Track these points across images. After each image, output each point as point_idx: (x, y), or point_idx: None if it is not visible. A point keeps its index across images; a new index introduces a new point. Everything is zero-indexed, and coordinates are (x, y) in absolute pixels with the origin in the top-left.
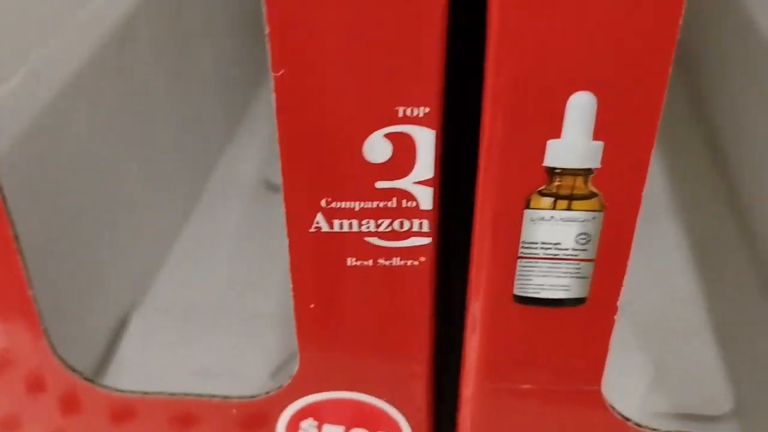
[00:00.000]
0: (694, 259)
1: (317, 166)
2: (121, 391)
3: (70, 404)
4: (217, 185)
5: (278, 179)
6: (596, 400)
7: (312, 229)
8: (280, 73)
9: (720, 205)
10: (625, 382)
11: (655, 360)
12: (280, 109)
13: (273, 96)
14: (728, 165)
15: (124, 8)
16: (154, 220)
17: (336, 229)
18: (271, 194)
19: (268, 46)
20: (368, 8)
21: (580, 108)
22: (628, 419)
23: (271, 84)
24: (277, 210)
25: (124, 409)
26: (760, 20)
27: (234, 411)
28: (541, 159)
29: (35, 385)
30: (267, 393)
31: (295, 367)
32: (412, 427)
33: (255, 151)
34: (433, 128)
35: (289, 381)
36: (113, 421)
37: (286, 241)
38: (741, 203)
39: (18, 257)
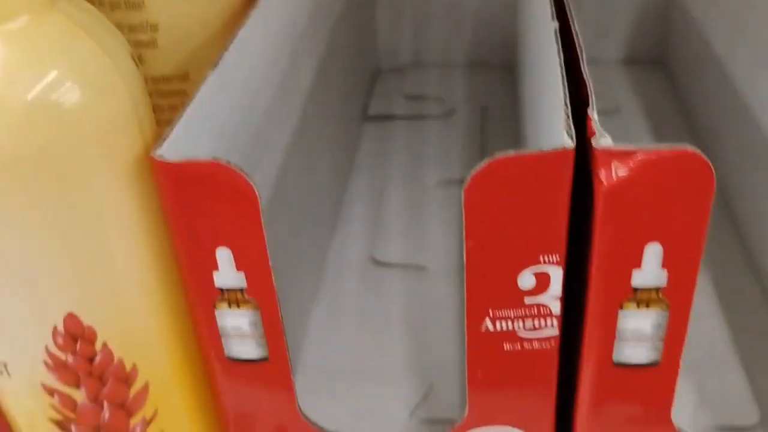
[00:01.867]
0: (717, 304)
1: (488, 291)
2: None
3: None
4: (335, 263)
5: (383, 257)
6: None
7: (482, 329)
8: (470, 244)
9: (730, 251)
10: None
11: (697, 386)
12: (468, 262)
13: (464, 256)
14: (738, 221)
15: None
16: (296, 294)
17: (498, 329)
18: (377, 269)
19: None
20: (516, 205)
21: (653, 252)
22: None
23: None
24: (385, 283)
25: None
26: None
27: None
28: (630, 282)
29: None
30: (444, 430)
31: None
32: None
33: (359, 233)
34: (561, 266)
35: (461, 421)
36: None
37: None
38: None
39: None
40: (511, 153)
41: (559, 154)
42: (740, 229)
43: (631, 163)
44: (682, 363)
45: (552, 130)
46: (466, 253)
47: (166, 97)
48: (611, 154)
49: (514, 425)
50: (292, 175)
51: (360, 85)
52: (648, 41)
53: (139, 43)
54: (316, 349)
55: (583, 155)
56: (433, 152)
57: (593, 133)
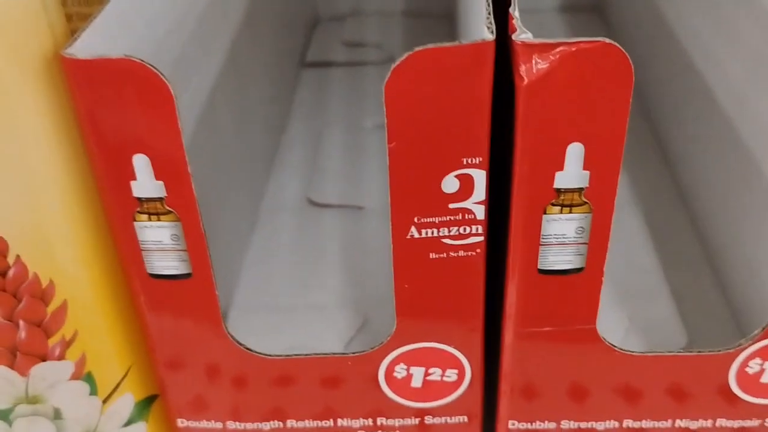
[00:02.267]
0: (652, 239)
1: (412, 196)
2: (278, 355)
3: (233, 368)
4: (270, 205)
5: (320, 198)
6: (593, 335)
7: (408, 237)
8: (392, 144)
9: (667, 194)
10: (609, 330)
11: (629, 313)
12: (392, 166)
13: (387, 157)
14: (673, 164)
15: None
16: (231, 233)
17: (423, 235)
18: (314, 210)
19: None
20: (438, 100)
21: (575, 152)
22: (614, 346)
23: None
24: (321, 223)
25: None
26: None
27: (349, 363)
28: (552, 184)
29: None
30: (372, 348)
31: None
32: (471, 364)
33: (295, 175)
34: (483, 169)
35: (389, 338)
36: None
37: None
38: (685, 194)
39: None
40: (431, 45)
41: (478, 46)
42: (660, 135)
43: (551, 57)
44: (613, 289)
45: (473, 26)
46: (389, 156)
47: (89, 5)
48: (531, 48)
49: (442, 342)
50: (221, 106)
51: (297, 32)
52: None
53: None
54: (250, 287)
55: (507, 57)
56: (372, 98)
57: (514, 30)
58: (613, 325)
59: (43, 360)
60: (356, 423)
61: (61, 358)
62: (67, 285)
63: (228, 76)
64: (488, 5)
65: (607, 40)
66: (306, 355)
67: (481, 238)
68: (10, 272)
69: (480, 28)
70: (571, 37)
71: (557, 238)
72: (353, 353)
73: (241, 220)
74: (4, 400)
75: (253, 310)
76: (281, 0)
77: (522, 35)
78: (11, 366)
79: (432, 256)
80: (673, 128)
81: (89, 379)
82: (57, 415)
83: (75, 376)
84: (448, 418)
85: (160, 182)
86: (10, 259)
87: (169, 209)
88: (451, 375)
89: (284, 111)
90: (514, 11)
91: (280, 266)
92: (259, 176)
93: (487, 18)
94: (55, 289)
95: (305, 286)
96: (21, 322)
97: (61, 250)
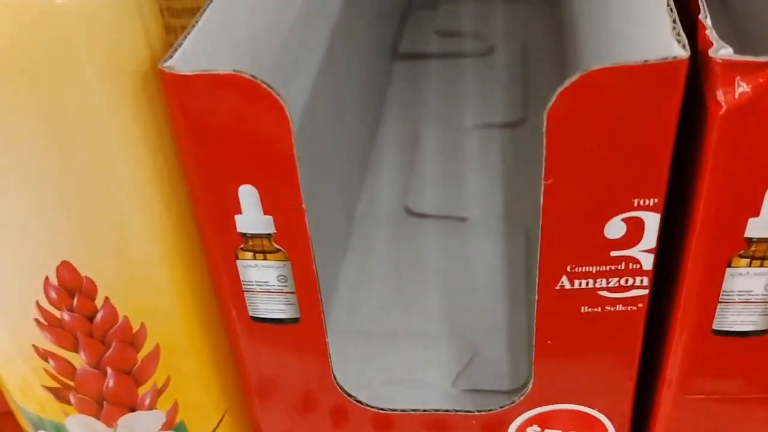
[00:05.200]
0: None
1: (568, 241)
2: (382, 409)
3: (339, 419)
4: (364, 214)
5: (418, 207)
6: None
7: (557, 287)
8: (549, 181)
9: None
10: None
11: None
12: (546, 205)
13: (541, 196)
14: None
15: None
16: (325, 249)
17: (576, 286)
18: (412, 221)
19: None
20: (612, 129)
21: None
22: None
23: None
24: (420, 234)
25: (384, 422)
26: None
27: (473, 422)
28: (743, 233)
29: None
30: (502, 407)
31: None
32: (617, 429)
33: (391, 181)
34: (658, 213)
35: (522, 397)
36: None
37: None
38: None
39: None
40: (608, 64)
41: (667, 66)
42: None
43: (759, 79)
44: None
45: (655, 37)
46: (545, 194)
47: (178, 17)
48: (734, 67)
49: (585, 405)
50: (320, 109)
51: (388, 21)
52: None
53: None
54: (346, 309)
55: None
56: (470, 94)
57: (708, 44)
58: None
59: (132, 410)
60: None
61: (151, 407)
62: (159, 328)
63: (325, 77)
64: (671, 10)
65: None
66: (424, 411)
67: (645, 292)
68: (99, 316)
69: (666, 40)
70: None
71: (741, 295)
72: (478, 411)
73: (336, 234)
74: None
75: (348, 335)
76: None
77: (721, 50)
78: (98, 416)
79: (584, 309)
80: None
81: (181, 428)
82: None
83: (166, 427)
84: None
85: (269, 217)
86: (99, 302)
87: (278, 247)
88: None
89: (377, 109)
90: (706, 19)
91: (377, 286)
92: (353, 183)
93: (674, 28)
94: (147, 332)
95: (405, 309)
96: (109, 370)
97: (152, 291)
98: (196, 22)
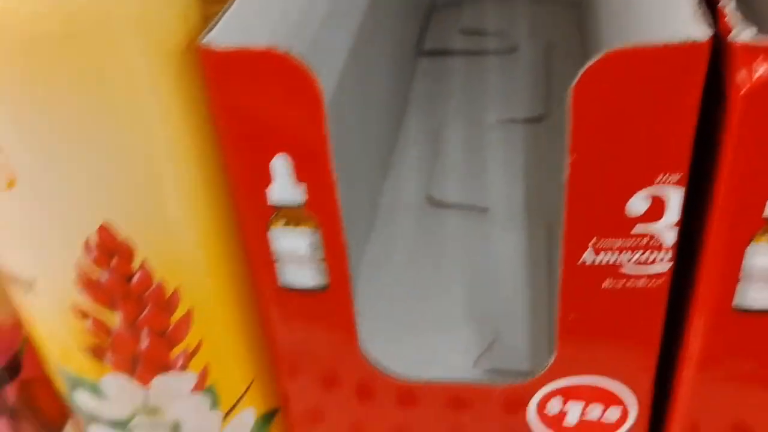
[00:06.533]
0: None
1: (592, 215)
2: (407, 380)
3: (364, 390)
4: (388, 203)
5: (440, 196)
6: None
7: (580, 262)
8: (574, 156)
9: None
10: None
11: None
12: (571, 180)
13: (566, 172)
14: None
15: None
16: (350, 235)
17: (599, 261)
18: (434, 210)
19: (568, 137)
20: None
21: None
22: None
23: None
24: (442, 224)
25: (408, 394)
26: None
27: (497, 394)
28: (763, 212)
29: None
30: (525, 379)
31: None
32: (638, 403)
33: (414, 172)
34: (681, 187)
35: (545, 369)
36: (399, 405)
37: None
38: None
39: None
40: (629, 45)
41: (690, 47)
42: None
43: None
44: None
45: (678, 18)
46: (570, 169)
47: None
48: (755, 50)
49: (608, 377)
50: (347, 97)
51: (413, 17)
52: None
53: None
54: (369, 293)
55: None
56: (494, 90)
57: (728, 27)
58: None
59: (165, 370)
60: None
61: (183, 369)
62: (192, 294)
63: (353, 64)
64: None
65: None
66: (447, 380)
67: (667, 267)
68: (135, 278)
69: (688, 21)
70: None
71: (761, 273)
72: (502, 383)
73: (360, 221)
74: (122, 410)
75: (371, 318)
76: None
77: (744, 32)
78: (132, 375)
79: (606, 284)
80: None
81: (211, 392)
82: (176, 428)
83: (197, 389)
84: None
85: (301, 186)
86: (135, 265)
87: (309, 215)
88: (614, 414)
89: (402, 103)
90: (728, 3)
91: (400, 272)
92: (377, 172)
93: (697, 9)
94: (181, 297)
95: (426, 294)
96: (144, 330)
97: (187, 257)
98: (233, 2)
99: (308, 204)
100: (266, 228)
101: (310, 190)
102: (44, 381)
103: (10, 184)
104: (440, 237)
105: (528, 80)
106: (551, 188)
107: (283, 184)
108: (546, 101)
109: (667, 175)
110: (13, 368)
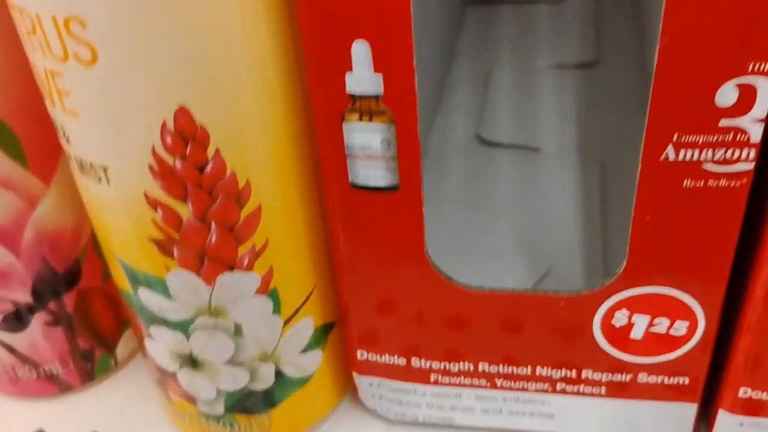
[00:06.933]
0: None
1: (678, 107)
2: (481, 288)
3: (427, 294)
4: (436, 143)
5: (491, 136)
6: None
7: (662, 158)
8: (666, 40)
9: None
10: None
11: None
12: (660, 67)
13: (655, 60)
14: None
15: None
16: None
17: (681, 158)
18: (485, 149)
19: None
20: None
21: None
22: None
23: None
24: (492, 162)
25: (471, 300)
26: None
27: (561, 304)
28: None
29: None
30: (592, 289)
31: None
32: (706, 317)
33: (463, 113)
34: None
35: (612, 280)
36: (463, 315)
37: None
38: None
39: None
40: None
41: None
42: None
43: None
44: None
45: None
46: (659, 55)
47: None
48: None
49: (678, 288)
50: None
51: None
52: None
53: None
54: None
55: None
56: (543, 38)
57: None
58: None
59: (231, 269)
60: (557, 373)
61: (249, 268)
62: (262, 188)
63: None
64: None
65: None
66: (511, 289)
67: (751, 166)
68: (209, 167)
69: None
70: None
71: None
72: (568, 292)
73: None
74: (186, 311)
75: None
76: None
77: None
78: (198, 272)
79: (686, 183)
80: None
81: (274, 295)
82: (237, 331)
83: (260, 291)
84: (666, 378)
85: (379, 75)
86: (210, 153)
87: (385, 109)
88: (680, 328)
89: (450, 49)
90: None
91: (452, 206)
92: (426, 114)
93: None
94: (251, 191)
95: (479, 229)
96: (213, 224)
97: (256, 149)
98: None
99: (385, 97)
100: (341, 120)
101: (388, 82)
102: (102, 292)
103: (93, 60)
104: (491, 174)
105: (578, 28)
106: (604, 131)
107: (362, 72)
108: (596, 48)
109: (759, 64)
110: (72, 277)
